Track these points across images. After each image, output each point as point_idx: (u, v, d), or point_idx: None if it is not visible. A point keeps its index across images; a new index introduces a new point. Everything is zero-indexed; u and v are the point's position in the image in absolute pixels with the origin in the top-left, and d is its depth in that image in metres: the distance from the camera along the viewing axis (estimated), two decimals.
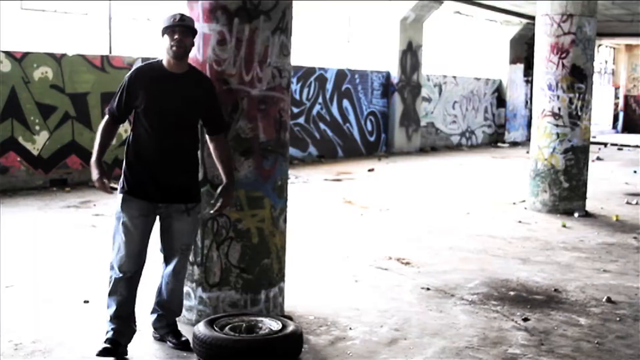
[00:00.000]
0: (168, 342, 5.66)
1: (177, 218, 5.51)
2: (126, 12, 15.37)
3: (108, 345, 5.36)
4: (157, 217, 5.56)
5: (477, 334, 6.16)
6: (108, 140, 5.53)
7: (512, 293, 7.40)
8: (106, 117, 5.54)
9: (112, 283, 5.48)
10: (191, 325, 5.82)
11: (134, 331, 5.58)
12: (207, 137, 5.68)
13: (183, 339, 5.62)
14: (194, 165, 5.61)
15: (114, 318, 5.48)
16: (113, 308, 5.49)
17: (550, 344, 6.00)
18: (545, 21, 12.16)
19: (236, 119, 5.86)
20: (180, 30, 5.33)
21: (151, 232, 5.56)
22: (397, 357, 5.63)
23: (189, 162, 5.56)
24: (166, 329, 5.72)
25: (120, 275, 5.44)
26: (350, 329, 6.20)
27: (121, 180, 5.50)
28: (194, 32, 5.44)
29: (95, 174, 5.41)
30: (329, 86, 20.36)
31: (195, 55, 5.87)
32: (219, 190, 5.66)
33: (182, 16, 5.39)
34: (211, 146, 5.66)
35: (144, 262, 5.54)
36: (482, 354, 5.73)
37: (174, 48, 5.33)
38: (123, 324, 5.49)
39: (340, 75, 20.77)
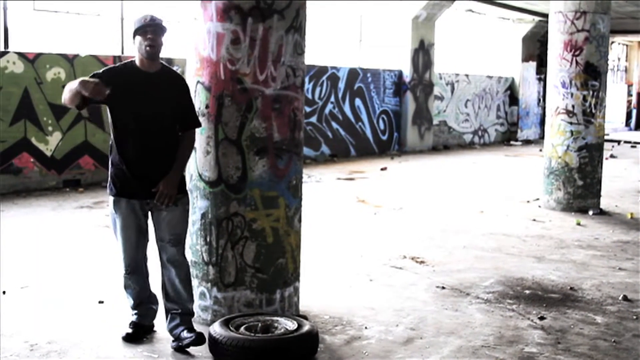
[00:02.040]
0: (183, 338, 5.57)
1: (165, 209, 5.61)
2: (138, 12, 15.37)
3: (130, 331, 5.81)
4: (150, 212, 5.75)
5: (493, 333, 6.13)
6: None
7: (527, 292, 7.36)
8: None
9: (124, 279, 5.80)
10: (206, 325, 5.81)
11: (155, 310, 5.97)
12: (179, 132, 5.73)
13: (197, 331, 5.59)
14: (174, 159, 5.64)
15: (134, 307, 5.88)
16: (131, 300, 5.87)
17: (567, 342, 5.97)
18: (558, 18, 12.10)
19: (250, 119, 5.85)
20: (153, 30, 5.45)
21: (146, 227, 5.73)
22: (413, 356, 5.61)
23: (170, 157, 5.61)
24: (181, 327, 5.68)
25: (126, 271, 5.75)
26: (365, 328, 6.18)
27: (108, 182, 5.69)
28: (165, 32, 5.53)
29: (83, 80, 5.24)
30: (341, 85, 20.34)
31: (209, 54, 5.87)
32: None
33: (153, 17, 5.50)
34: (180, 141, 5.69)
35: (144, 255, 5.81)
36: (499, 352, 5.70)
37: (147, 48, 5.45)
38: (143, 308, 5.90)
39: (353, 74, 20.75)
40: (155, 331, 5.94)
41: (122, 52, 14.92)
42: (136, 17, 5.58)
